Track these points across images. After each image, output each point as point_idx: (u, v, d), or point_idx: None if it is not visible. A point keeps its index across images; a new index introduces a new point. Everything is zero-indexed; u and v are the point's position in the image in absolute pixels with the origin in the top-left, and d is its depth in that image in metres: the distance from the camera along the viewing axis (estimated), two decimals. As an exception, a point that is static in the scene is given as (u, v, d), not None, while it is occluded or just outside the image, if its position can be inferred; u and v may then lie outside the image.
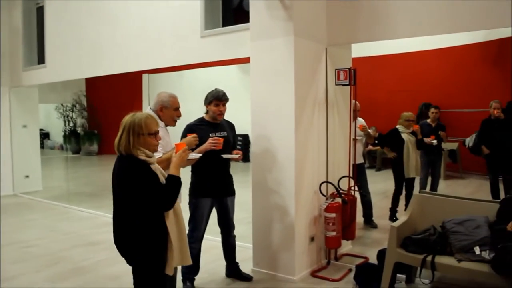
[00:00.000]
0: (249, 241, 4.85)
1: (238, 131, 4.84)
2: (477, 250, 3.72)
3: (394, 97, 11.27)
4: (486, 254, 3.67)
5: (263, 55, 4.61)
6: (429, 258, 3.75)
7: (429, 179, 7.05)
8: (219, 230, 4.52)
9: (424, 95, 10.79)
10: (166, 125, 3.75)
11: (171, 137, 3.78)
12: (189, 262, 2.96)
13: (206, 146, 3.96)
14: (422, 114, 9.64)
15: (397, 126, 6.35)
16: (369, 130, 6.18)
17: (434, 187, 6.96)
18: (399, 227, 3.96)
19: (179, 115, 3.74)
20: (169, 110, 3.68)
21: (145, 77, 15.15)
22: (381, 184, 6.40)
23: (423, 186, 6.66)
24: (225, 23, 6.02)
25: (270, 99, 4.56)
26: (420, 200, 4.31)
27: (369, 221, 6.19)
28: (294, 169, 4.41)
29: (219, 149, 3.97)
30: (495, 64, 9.97)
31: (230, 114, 4.46)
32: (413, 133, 6.28)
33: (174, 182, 2.76)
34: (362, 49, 9.37)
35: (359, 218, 6.13)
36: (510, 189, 6.07)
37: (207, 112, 4.27)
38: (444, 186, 8.51)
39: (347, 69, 4.72)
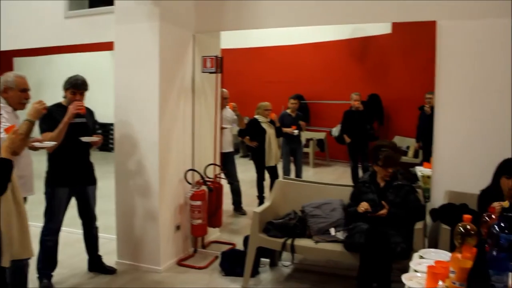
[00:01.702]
0: (115, 232, 4.65)
1: (109, 120, 4.60)
2: (332, 231, 3.90)
3: (268, 88, 11.51)
4: (340, 235, 3.86)
5: (127, 40, 4.41)
6: (289, 241, 3.85)
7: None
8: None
9: (296, 87, 11.16)
10: (15, 109, 3.44)
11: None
12: (31, 254, 2.74)
13: (70, 111, 3.73)
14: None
15: (256, 116, 6.47)
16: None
17: (298, 174, 7.21)
18: (261, 213, 4.02)
19: (27, 97, 3.44)
20: (14, 91, 3.37)
21: (15, 61, 13.91)
22: (253, 172, 6.50)
23: (286, 173, 6.88)
24: (93, 5, 5.68)
25: (134, 85, 4.38)
26: (282, 186, 4.43)
27: (238, 208, 6.26)
28: (158, 157, 4.29)
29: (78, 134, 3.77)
30: (359, 60, 10.60)
31: (101, 102, 4.23)
32: (272, 122, 6.44)
33: (2, 165, 2.50)
34: (240, 41, 9.45)
35: (229, 205, 6.19)
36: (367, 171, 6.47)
37: (65, 97, 3.99)
38: (312, 173, 8.88)
39: (214, 57, 4.70)
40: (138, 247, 4.47)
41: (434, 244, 3.84)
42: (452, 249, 3.69)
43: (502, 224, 2.01)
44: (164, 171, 4.38)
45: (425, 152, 5.60)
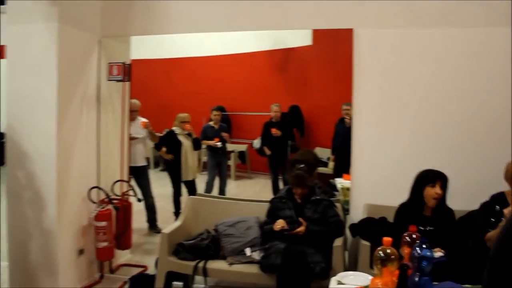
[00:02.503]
0: (6, 259, 4.08)
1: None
2: (247, 251, 3.60)
3: (188, 99, 11.15)
4: (256, 255, 3.57)
5: (21, 43, 3.89)
6: (201, 264, 3.51)
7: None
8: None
9: (217, 98, 10.89)
10: None
11: None
12: None
13: None
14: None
15: (173, 128, 6.11)
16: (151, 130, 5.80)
17: (222, 188, 6.91)
18: (170, 234, 3.65)
19: None
20: None
21: None
22: (170, 186, 6.12)
23: (209, 187, 6.56)
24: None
25: (29, 93, 3.86)
26: (194, 203, 4.08)
27: (153, 226, 5.82)
28: (56, 174, 3.78)
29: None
30: (280, 71, 10.53)
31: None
32: (190, 134, 6.11)
33: None
34: (158, 51, 9.04)
35: (144, 223, 5.75)
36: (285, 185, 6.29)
37: None
38: (234, 186, 8.59)
39: (121, 64, 4.28)
40: (34, 275, 3.92)
41: (354, 261, 3.65)
42: (372, 265, 3.57)
43: (424, 246, 1.80)
44: (63, 189, 3.88)
45: (341, 164, 5.47)
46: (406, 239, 2.03)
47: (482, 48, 3.76)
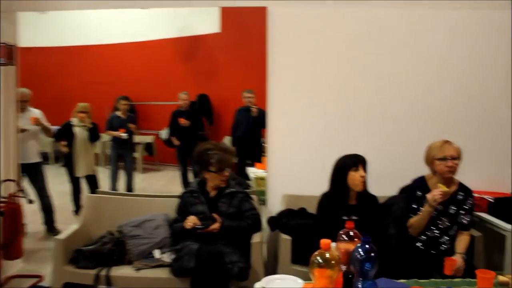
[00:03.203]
0: None
1: None
2: (156, 253, 3.17)
3: (90, 89, 10.32)
4: (166, 257, 3.15)
5: None
6: (103, 272, 3.02)
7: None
8: None
9: (122, 88, 10.18)
10: None
11: None
12: None
13: None
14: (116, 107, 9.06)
15: (72, 119, 5.48)
16: (45, 123, 5.11)
17: (129, 182, 6.36)
18: (67, 239, 3.12)
19: None
20: None
21: None
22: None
23: (113, 182, 5.98)
24: None
25: None
26: (93, 202, 3.55)
27: (51, 228, 5.14)
28: None
29: None
30: (188, 59, 10.06)
31: None
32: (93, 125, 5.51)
33: None
34: (57, 38, 8.21)
35: (41, 226, 5.07)
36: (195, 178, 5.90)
37: None
38: (141, 180, 8.01)
39: (3, 44, 3.63)
40: None
41: (274, 257, 3.35)
42: (293, 261, 3.30)
43: (367, 246, 1.50)
44: None
45: (243, 155, 5.17)
46: (342, 237, 1.72)
47: (400, 29, 3.60)
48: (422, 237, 3.00)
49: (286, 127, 3.66)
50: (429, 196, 2.84)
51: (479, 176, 3.21)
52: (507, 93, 3.64)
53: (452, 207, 2.98)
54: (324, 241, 1.52)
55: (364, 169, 2.93)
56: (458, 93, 3.66)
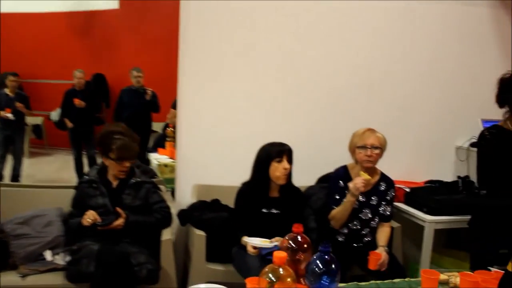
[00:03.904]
0: None
1: None
2: (48, 255, 2.67)
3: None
4: (60, 259, 2.65)
5: None
6: (-22, 279, 2.45)
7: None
8: None
9: (7, 63, 9.07)
10: None
11: None
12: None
13: None
14: (3, 84, 8.03)
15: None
16: None
17: (16, 169, 5.63)
18: None
19: None
20: None
21: None
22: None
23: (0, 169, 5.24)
24: None
25: None
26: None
27: None
28: None
29: None
30: (82, 36, 9.20)
31: None
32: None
33: None
34: None
35: None
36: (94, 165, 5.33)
37: None
38: (28, 165, 7.17)
39: None
40: None
41: (186, 255, 3.00)
42: (208, 259, 2.95)
43: (327, 257, 1.20)
44: None
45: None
46: (289, 244, 1.40)
47: (324, 16, 3.37)
48: (344, 230, 2.82)
49: (200, 110, 3.27)
50: (351, 185, 2.64)
51: (394, 166, 3.07)
52: (425, 83, 3.61)
53: (374, 198, 2.83)
54: (278, 255, 1.19)
55: (289, 160, 2.65)
56: (381, 81, 3.53)
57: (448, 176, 3.67)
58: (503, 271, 1.72)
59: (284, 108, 3.38)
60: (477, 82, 3.71)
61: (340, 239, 2.83)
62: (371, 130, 2.79)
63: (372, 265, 2.58)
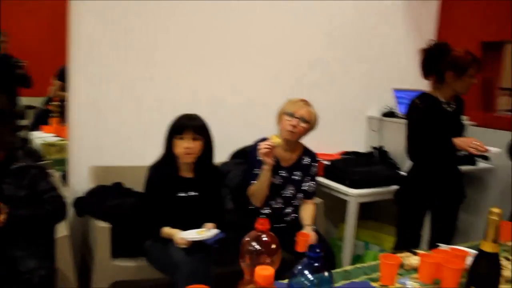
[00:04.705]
0: None
1: None
2: None
3: None
4: None
5: None
6: None
7: None
8: None
9: None
10: None
11: None
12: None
13: None
14: None
15: None
16: None
17: None
18: None
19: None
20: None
21: None
22: None
23: None
24: None
25: None
26: None
27: None
28: None
29: None
30: None
31: None
32: None
33: None
34: None
35: None
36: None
37: None
38: None
39: None
40: None
41: (87, 250, 2.53)
42: (114, 253, 2.51)
43: (316, 264, 0.90)
44: None
45: None
46: (250, 246, 1.05)
47: None
48: (266, 209, 2.55)
49: (96, 80, 2.76)
50: (268, 160, 2.38)
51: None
52: (336, 54, 3.44)
53: (298, 173, 2.60)
54: (261, 273, 0.84)
55: (198, 137, 2.29)
56: (292, 52, 3.29)
57: (360, 146, 3.59)
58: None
59: (193, 78, 3.00)
60: (387, 52, 3.65)
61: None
62: (305, 102, 2.56)
63: (301, 247, 2.35)
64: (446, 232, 2.55)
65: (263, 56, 3.19)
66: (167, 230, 2.25)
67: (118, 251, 2.37)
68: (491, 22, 3.42)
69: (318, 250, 0.90)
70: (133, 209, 2.43)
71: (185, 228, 2.23)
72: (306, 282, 0.89)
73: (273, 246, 1.01)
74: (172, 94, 2.91)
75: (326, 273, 0.90)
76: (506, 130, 3.08)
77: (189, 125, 2.29)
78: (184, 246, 2.15)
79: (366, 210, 3.23)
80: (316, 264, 0.90)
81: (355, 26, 3.48)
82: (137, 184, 2.45)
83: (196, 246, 2.15)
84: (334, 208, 3.12)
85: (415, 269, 1.59)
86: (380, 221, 3.38)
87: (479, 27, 3.48)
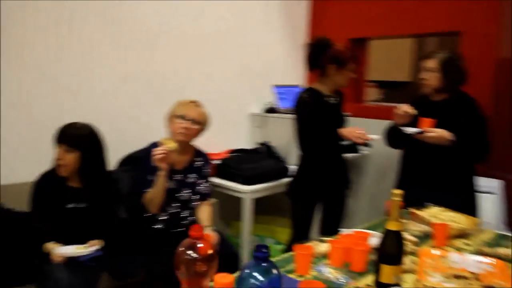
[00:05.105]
0: None
1: None
2: None
3: None
4: None
5: None
6: None
7: None
8: None
9: None
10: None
11: None
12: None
13: None
14: None
15: None
16: None
17: None
18: None
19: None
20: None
21: None
22: None
23: None
24: None
25: None
26: None
27: None
28: None
29: None
30: None
31: None
32: None
33: None
34: None
35: None
36: None
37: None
38: None
39: None
40: None
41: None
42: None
43: (265, 264, 0.88)
44: None
45: None
46: (186, 255, 0.98)
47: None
48: (163, 216, 2.48)
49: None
50: (163, 165, 2.32)
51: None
52: (217, 52, 3.45)
53: (192, 176, 2.56)
54: (220, 280, 0.79)
55: (71, 149, 2.14)
56: (173, 51, 3.21)
57: (245, 143, 3.64)
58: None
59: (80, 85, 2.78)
60: (265, 50, 3.75)
61: (158, 226, 2.49)
62: (196, 104, 2.53)
63: (204, 250, 2.32)
64: (337, 219, 2.71)
65: (142, 62, 3.07)
66: (49, 245, 2.09)
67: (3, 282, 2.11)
68: (357, 20, 3.69)
69: (264, 250, 0.90)
70: (18, 226, 2.19)
71: (73, 242, 2.09)
72: (256, 282, 0.87)
73: (209, 252, 0.98)
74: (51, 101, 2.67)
75: (275, 271, 0.90)
76: (375, 118, 3.37)
77: (62, 136, 2.15)
78: (59, 262, 2.02)
79: (257, 205, 3.30)
80: (264, 264, 0.89)
81: (231, 26, 3.50)
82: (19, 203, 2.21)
83: (77, 262, 2.04)
84: (225, 206, 3.13)
85: (324, 256, 1.66)
86: (272, 215, 3.47)
87: (347, 25, 3.73)
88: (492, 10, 3.00)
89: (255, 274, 0.88)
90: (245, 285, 0.86)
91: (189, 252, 0.98)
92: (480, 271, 1.49)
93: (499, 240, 1.89)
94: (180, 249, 1.01)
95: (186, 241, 1.01)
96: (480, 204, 2.45)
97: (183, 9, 3.20)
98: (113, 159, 2.69)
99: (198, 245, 0.99)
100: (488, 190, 2.75)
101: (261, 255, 0.89)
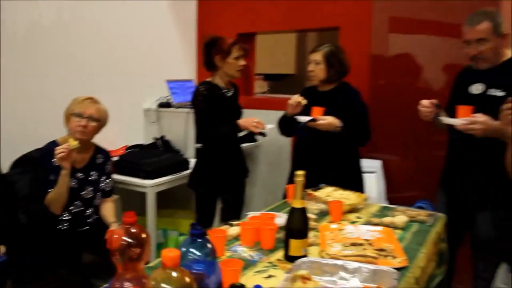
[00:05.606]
0: None
1: None
2: None
3: None
4: None
5: None
6: None
7: None
8: None
9: None
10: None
11: None
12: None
13: None
14: None
15: None
16: None
17: None
18: None
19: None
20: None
21: None
22: None
23: None
24: None
25: None
26: None
27: None
28: None
29: None
30: None
31: None
32: None
33: None
34: None
35: None
36: None
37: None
38: None
39: None
40: None
41: None
42: None
43: (200, 240, 0.96)
44: None
45: None
46: (121, 240, 1.02)
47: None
48: (66, 215, 2.43)
49: None
50: (65, 165, 2.28)
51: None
52: (111, 47, 3.39)
53: (93, 173, 2.54)
54: (167, 254, 0.85)
55: None
56: (66, 45, 3.11)
57: (140, 139, 3.64)
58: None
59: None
60: (158, 47, 3.77)
61: (63, 227, 2.43)
62: (92, 100, 2.49)
63: (114, 243, 2.32)
64: (238, 207, 2.87)
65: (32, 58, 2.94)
66: None
67: None
68: (245, 16, 3.86)
69: (199, 227, 0.99)
70: None
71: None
72: (195, 257, 0.96)
73: (143, 236, 1.05)
74: None
75: (209, 245, 0.99)
76: (264, 109, 3.58)
77: None
78: None
79: (159, 199, 3.33)
80: (200, 240, 0.98)
81: (124, 23, 3.48)
82: None
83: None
84: (128, 202, 3.12)
85: (236, 238, 1.78)
86: (174, 208, 3.51)
87: (235, 20, 3.88)
88: (366, 9, 3.32)
89: (192, 250, 0.97)
90: (184, 261, 0.94)
91: (123, 237, 1.04)
92: (372, 238, 1.72)
93: (383, 211, 2.17)
94: (114, 235, 1.06)
95: (121, 227, 1.07)
96: (365, 182, 2.75)
97: (76, 4, 3.12)
98: (5, 162, 2.58)
99: (132, 230, 1.05)
100: (371, 170, 3.07)
101: (196, 231, 0.99)
